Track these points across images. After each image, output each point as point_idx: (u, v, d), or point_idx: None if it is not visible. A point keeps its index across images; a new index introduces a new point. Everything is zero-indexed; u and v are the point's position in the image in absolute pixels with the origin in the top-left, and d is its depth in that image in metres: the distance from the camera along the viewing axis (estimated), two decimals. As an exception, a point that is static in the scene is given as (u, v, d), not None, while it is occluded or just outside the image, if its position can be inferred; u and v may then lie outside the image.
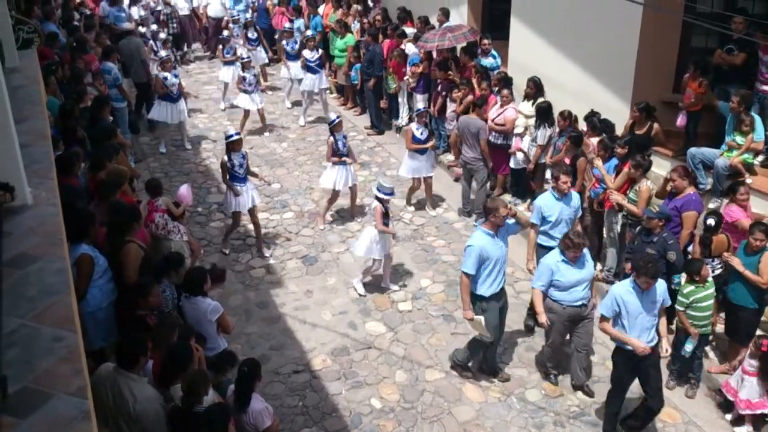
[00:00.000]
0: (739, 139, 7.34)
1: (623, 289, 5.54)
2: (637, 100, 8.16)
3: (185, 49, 16.49)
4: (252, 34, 14.02)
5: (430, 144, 9.34)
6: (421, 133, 9.23)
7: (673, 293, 6.53)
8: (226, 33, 14.08)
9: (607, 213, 7.68)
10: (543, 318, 6.09)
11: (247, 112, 12.02)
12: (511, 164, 9.34)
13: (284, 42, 13.21)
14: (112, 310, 5.33)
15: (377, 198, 7.60)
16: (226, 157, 8.26)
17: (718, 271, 6.42)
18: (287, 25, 13.86)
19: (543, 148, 8.80)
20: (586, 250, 6.11)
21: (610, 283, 7.15)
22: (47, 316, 3.07)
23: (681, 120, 8.12)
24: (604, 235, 7.87)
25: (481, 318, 6.11)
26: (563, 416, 6.21)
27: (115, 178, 6.30)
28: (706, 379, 6.49)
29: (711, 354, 6.69)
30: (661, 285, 5.59)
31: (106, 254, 5.34)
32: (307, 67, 12.26)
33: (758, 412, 5.80)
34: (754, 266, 5.99)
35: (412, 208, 9.72)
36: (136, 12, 14.70)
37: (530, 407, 6.31)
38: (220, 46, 13.56)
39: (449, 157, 10.75)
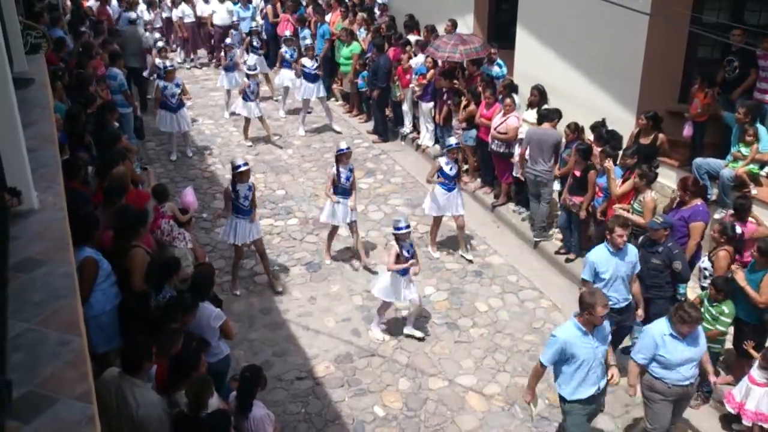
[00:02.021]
0: (744, 149, 7.33)
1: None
2: (643, 110, 8.15)
3: (191, 56, 16.60)
4: (256, 43, 13.90)
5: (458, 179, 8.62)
6: (450, 169, 8.43)
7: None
8: (228, 40, 13.99)
9: (611, 222, 7.66)
10: (634, 391, 5.62)
11: (248, 120, 12.02)
12: (515, 173, 9.33)
13: (283, 49, 13.12)
14: (116, 315, 5.33)
15: (394, 236, 7.07)
16: (230, 187, 7.68)
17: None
18: (287, 32, 13.80)
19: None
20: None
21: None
22: (53, 321, 3.08)
23: (687, 130, 8.12)
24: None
25: (534, 409, 5.69)
26: (567, 426, 6.17)
27: (118, 183, 6.31)
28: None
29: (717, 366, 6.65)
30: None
31: (110, 258, 5.35)
32: (304, 75, 12.24)
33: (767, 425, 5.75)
34: (755, 283, 5.94)
35: (437, 254, 8.83)
36: (146, 16, 14.83)
37: (534, 417, 6.27)
38: (223, 53, 13.52)
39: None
